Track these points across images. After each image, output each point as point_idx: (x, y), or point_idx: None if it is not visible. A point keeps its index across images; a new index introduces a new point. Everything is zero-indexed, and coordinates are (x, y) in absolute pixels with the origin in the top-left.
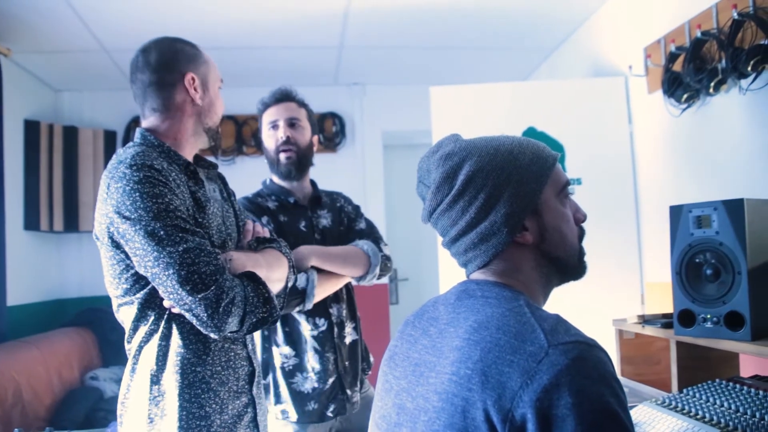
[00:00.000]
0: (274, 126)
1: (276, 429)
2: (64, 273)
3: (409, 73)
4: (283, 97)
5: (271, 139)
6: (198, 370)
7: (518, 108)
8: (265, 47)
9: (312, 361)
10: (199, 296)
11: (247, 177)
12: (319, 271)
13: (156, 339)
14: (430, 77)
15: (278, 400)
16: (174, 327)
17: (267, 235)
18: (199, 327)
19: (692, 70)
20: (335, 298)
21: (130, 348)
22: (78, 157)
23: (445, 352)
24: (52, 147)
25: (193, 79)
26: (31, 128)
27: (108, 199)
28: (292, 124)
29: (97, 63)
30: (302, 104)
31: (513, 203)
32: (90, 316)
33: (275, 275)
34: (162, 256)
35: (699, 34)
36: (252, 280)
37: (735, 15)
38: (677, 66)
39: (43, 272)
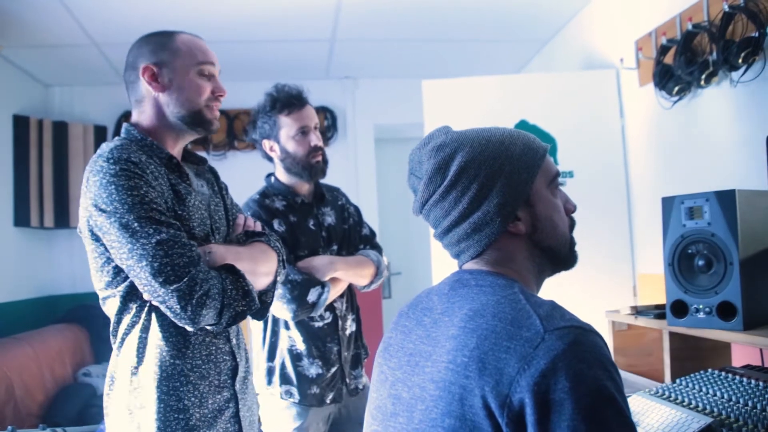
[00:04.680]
0: (304, 132)
1: (278, 407)
2: (55, 269)
3: (401, 67)
4: (305, 100)
5: (300, 145)
6: (177, 363)
7: (510, 101)
8: (256, 41)
9: (316, 350)
10: (172, 288)
11: (239, 172)
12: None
13: (137, 331)
14: (422, 70)
15: (284, 380)
16: (154, 319)
17: (258, 228)
18: (173, 319)
19: (683, 62)
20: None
21: (115, 340)
22: (68, 152)
23: (440, 342)
24: (42, 142)
25: (149, 70)
26: (21, 123)
27: (87, 192)
28: (316, 128)
29: (88, 58)
30: (311, 105)
31: (506, 193)
32: (82, 313)
33: (262, 269)
34: (135, 248)
35: (690, 27)
36: (231, 272)
37: (726, 7)
38: (668, 59)
39: (33, 269)
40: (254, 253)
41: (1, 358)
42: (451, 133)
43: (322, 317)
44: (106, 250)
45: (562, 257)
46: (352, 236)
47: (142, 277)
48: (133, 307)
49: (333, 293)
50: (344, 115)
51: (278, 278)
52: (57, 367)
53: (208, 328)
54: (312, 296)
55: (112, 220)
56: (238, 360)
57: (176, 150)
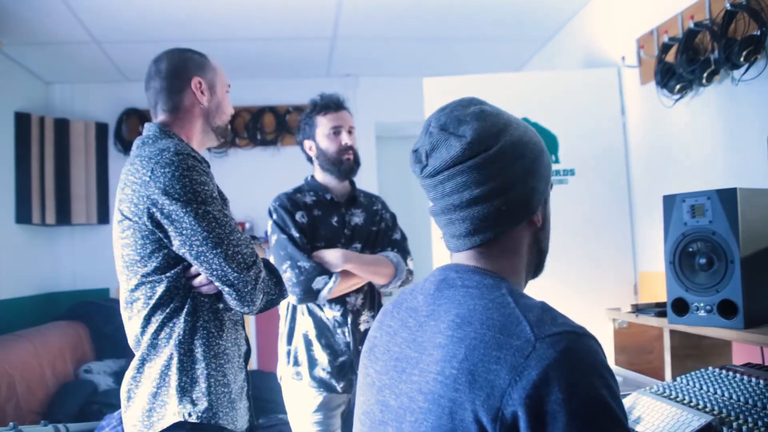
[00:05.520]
0: (337, 132)
1: (295, 388)
2: (57, 266)
3: (402, 65)
4: (341, 105)
5: (333, 143)
6: (220, 342)
7: (512, 99)
8: (258, 38)
9: (325, 339)
10: (243, 274)
11: (240, 169)
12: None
13: (183, 315)
14: (424, 68)
15: (296, 362)
16: (198, 305)
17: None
18: (235, 302)
19: (685, 60)
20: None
21: (149, 325)
22: (70, 149)
23: (427, 349)
24: (44, 139)
25: (199, 83)
26: (22, 121)
27: (152, 182)
28: (350, 131)
29: (89, 55)
30: (351, 113)
31: (541, 180)
32: (83, 310)
33: None
34: (211, 236)
35: (692, 25)
36: (266, 265)
37: (728, 5)
38: (670, 57)
39: (35, 266)
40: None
41: (3, 355)
42: (492, 105)
43: (331, 308)
44: (165, 237)
45: (543, 264)
46: (380, 238)
47: (214, 262)
48: (179, 293)
49: (343, 286)
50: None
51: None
52: (58, 363)
53: (243, 311)
54: (318, 284)
55: (188, 209)
56: (249, 346)
57: None
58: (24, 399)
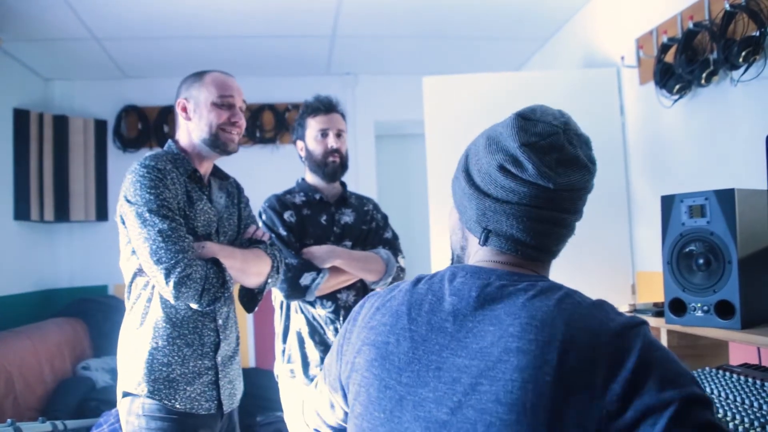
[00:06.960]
0: (324, 134)
1: (290, 386)
2: (55, 263)
3: (402, 63)
4: (333, 107)
5: (319, 145)
6: (168, 327)
7: (511, 98)
8: (257, 36)
9: (317, 336)
10: (161, 266)
11: (238, 166)
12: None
13: (143, 300)
14: (423, 67)
15: (289, 359)
16: (156, 293)
17: (264, 239)
18: (161, 293)
19: (684, 61)
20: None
21: (128, 304)
22: (68, 146)
23: (494, 354)
24: (42, 136)
25: (181, 103)
26: (21, 117)
27: (123, 185)
28: (339, 134)
29: (88, 52)
30: (344, 115)
31: None
32: (81, 306)
33: (252, 269)
34: (142, 232)
35: (691, 26)
36: (215, 265)
37: (727, 6)
38: (669, 57)
39: (33, 262)
40: (248, 256)
41: (1, 351)
42: None
43: (323, 305)
44: (127, 230)
45: None
46: (371, 237)
47: (144, 255)
48: (141, 281)
49: (332, 282)
50: (344, 112)
51: (269, 280)
52: (56, 360)
53: (194, 306)
54: (305, 280)
55: (131, 209)
56: (221, 338)
57: (204, 166)
58: (22, 395)
